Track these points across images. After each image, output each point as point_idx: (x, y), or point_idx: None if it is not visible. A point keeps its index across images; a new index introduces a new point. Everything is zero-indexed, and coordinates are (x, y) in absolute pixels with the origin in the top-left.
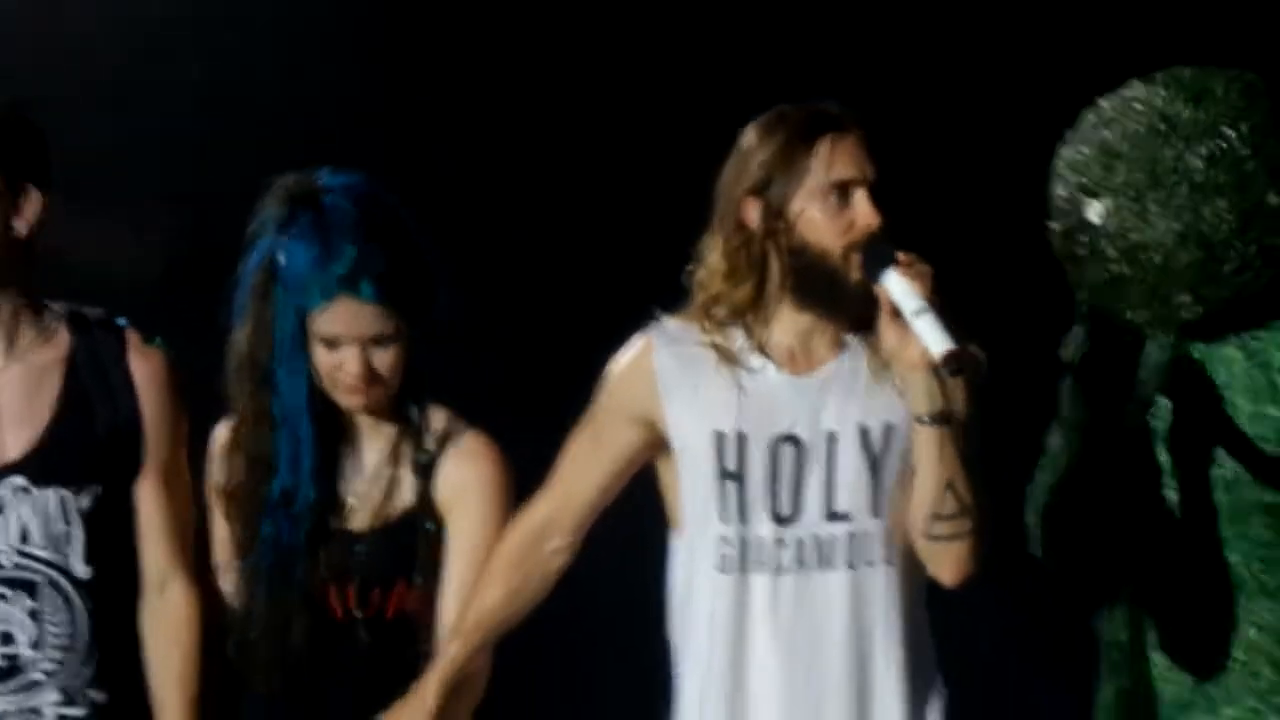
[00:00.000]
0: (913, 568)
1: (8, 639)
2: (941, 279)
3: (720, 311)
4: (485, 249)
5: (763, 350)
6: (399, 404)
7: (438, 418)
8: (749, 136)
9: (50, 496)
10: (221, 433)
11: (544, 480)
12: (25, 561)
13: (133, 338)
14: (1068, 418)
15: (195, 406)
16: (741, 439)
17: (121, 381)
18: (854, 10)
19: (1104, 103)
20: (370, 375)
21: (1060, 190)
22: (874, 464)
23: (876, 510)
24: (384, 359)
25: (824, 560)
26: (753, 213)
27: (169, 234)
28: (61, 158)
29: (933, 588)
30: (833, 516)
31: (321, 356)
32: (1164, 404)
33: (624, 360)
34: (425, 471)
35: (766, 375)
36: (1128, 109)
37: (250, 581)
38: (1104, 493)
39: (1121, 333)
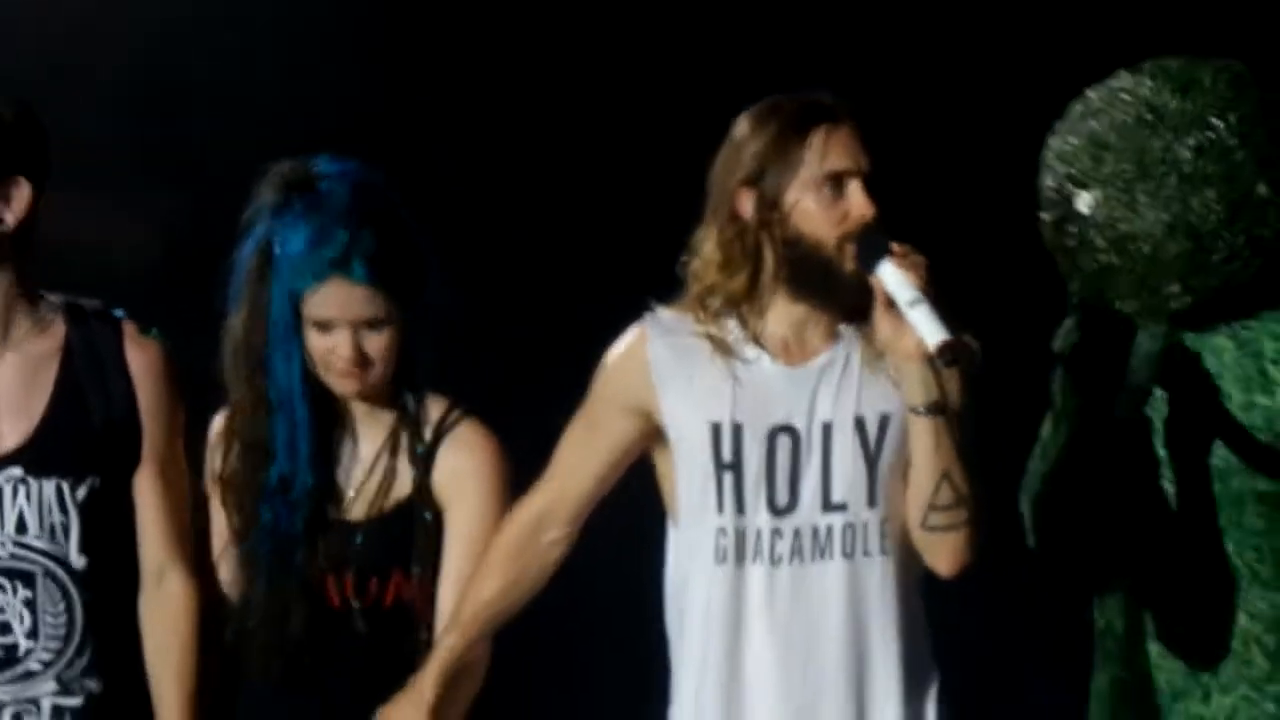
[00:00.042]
0: (909, 558)
1: (5, 629)
2: (935, 269)
3: (715, 302)
4: (481, 240)
5: (757, 341)
6: (396, 393)
7: (435, 407)
8: (742, 127)
9: (47, 487)
10: (219, 421)
11: (541, 470)
12: (22, 552)
13: (129, 329)
14: (1060, 408)
15: (193, 397)
16: (737, 430)
17: (118, 372)
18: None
19: (1092, 94)
20: (362, 359)
21: (1049, 181)
22: (870, 454)
23: (873, 501)
24: (376, 343)
25: (820, 551)
26: (747, 204)
27: (169, 231)
28: (63, 155)
29: (928, 578)
30: (829, 507)
31: (314, 341)
32: (1158, 394)
33: (618, 351)
34: (423, 461)
35: (761, 366)
36: (1116, 100)
37: (248, 569)
38: (1097, 482)
39: (1113, 323)
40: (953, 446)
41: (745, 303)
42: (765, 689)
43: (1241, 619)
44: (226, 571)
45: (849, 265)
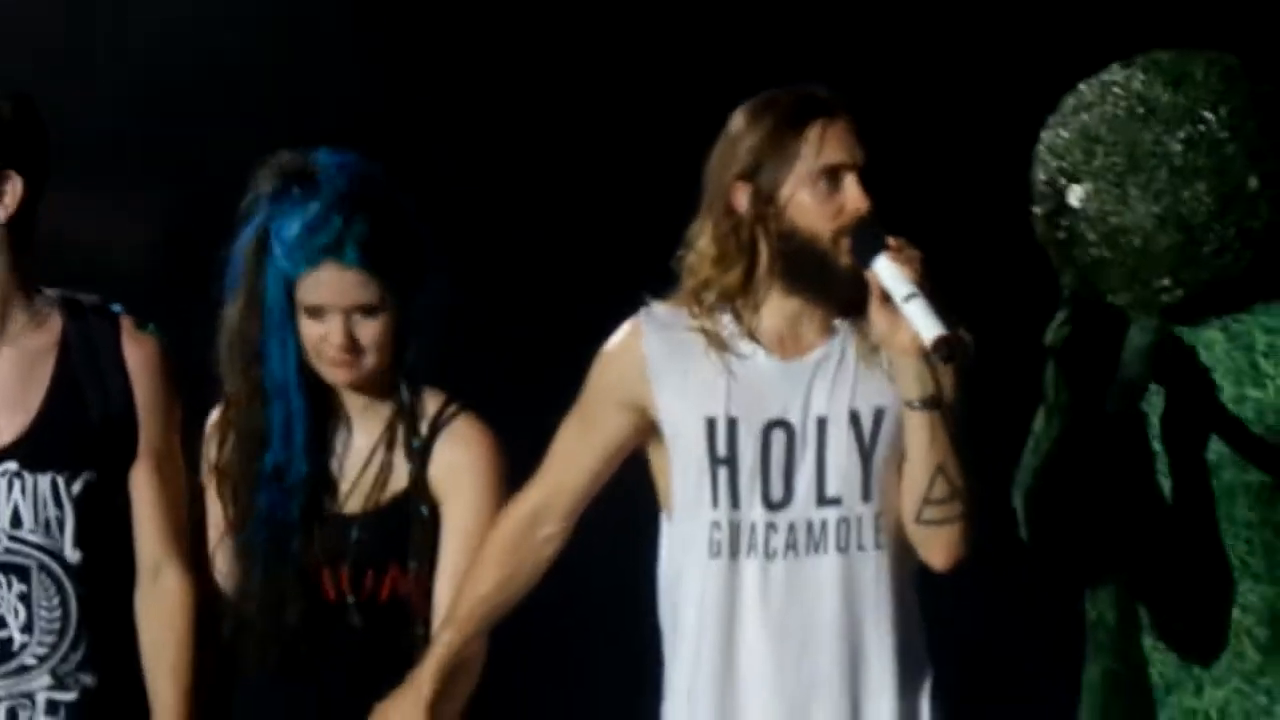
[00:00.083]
0: (903, 552)
1: (0, 623)
2: (930, 263)
3: (709, 296)
4: (477, 237)
5: (752, 335)
6: (392, 387)
7: (432, 401)
8: (737, 121)
9: (42, 481)
10: (216, 414)
11: (537, 465)
12: (17, 546)
13: (126, 324)
14: (1052, 401)
15: (191, 392)
16: (732, 424)
17: (114, 367)
18: None
19: (1083, 87)
20: (354, 345)
21: (1041, 175)
22: (864, 449)
23: (867, 495)
24: (369, 330)
25: (815, 545)
26: (742, 198)
27: (169, 229)
28: (62, 154)
29: (922, 572)
30: (824, 501)
31: (307, 328)
32: (1151, 387)
33: (613, 346)
34: (419, 456)
35: (756, 360)
36: (1107, 93)
37: (244, 559)
38: (1089, 476)
39: (1105, 316)
40: (948, 441)
41: (740, 297)
42: (759, 683)
43: (1233, 612)
44: (223, 562)
45: (844, 259)
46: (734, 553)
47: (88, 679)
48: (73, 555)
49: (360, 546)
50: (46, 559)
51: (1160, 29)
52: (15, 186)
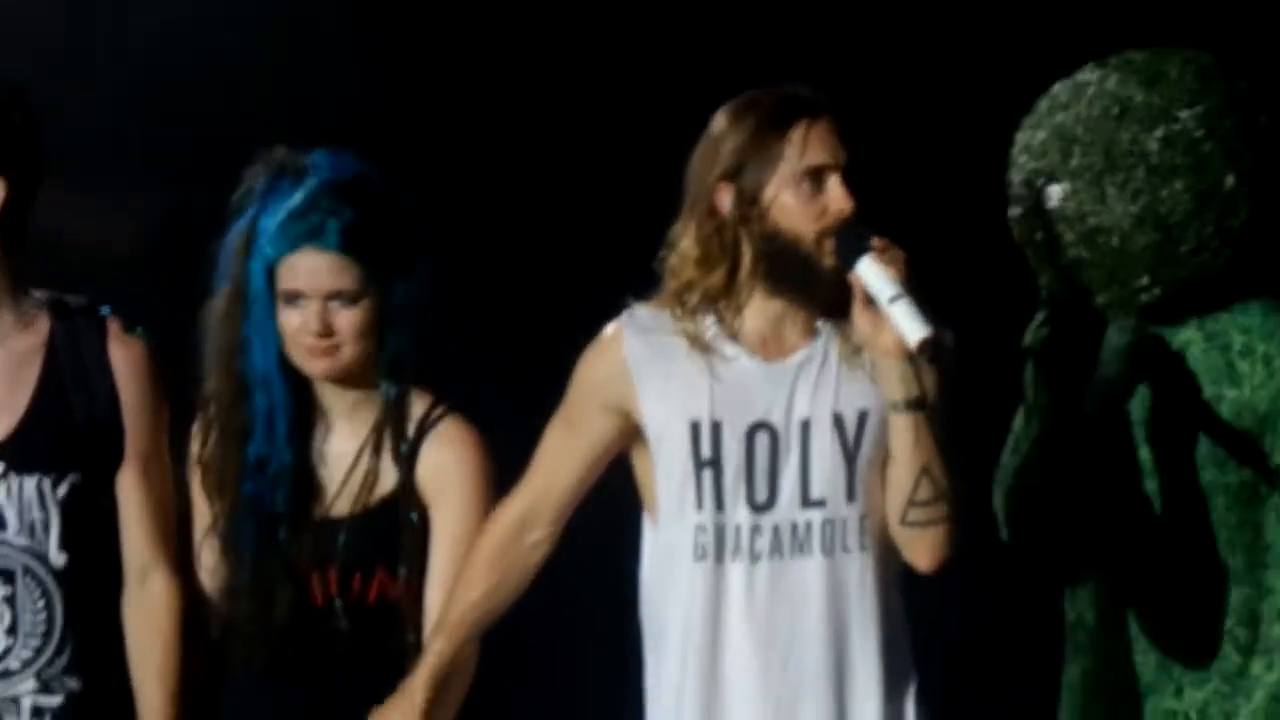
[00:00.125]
0: (888, 554)
1: None
2: (913, 263)
3: (692, 298)
4: (471, 236)
5: (735, 337)
6: (374, 383)
7: (418, 403)
8: (720, 122)
9: (27, 483)
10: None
11: (525, 467)
12: (1, 549)
13: (114, 326)
14: (1031, 402)
15: (182, 395)
16: (716, 427)
17: (100, 370)
18: None
19: (1058, 88)
20: (330, 332)
21: (1018, 176)
22: (848, 450)
23: (851, 496)
24: (346, 318)
25: (800, 547)
26: (725, 199)
27: (168, 231)
28: (63, 153)
29: (905, 574)
30: (808, 503)
31: (285, 317)
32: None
33: (595, 349)
34: (406, 459)
35: (739, 363)
36: (1082, 93)
37: (232, 553)
38: (1069, 476)
39: (1083, 317)
40: (932, 442)
41: (723, 299)
42: (745, 686)
43: (1213, 613)
44: (209, 559)
45: (827, 261)
46: (719, 556)
47: (73, 683)
48: (58, 558)
49: (348, 550)
50: (31, 562)
51: (1135, 30)
52: None
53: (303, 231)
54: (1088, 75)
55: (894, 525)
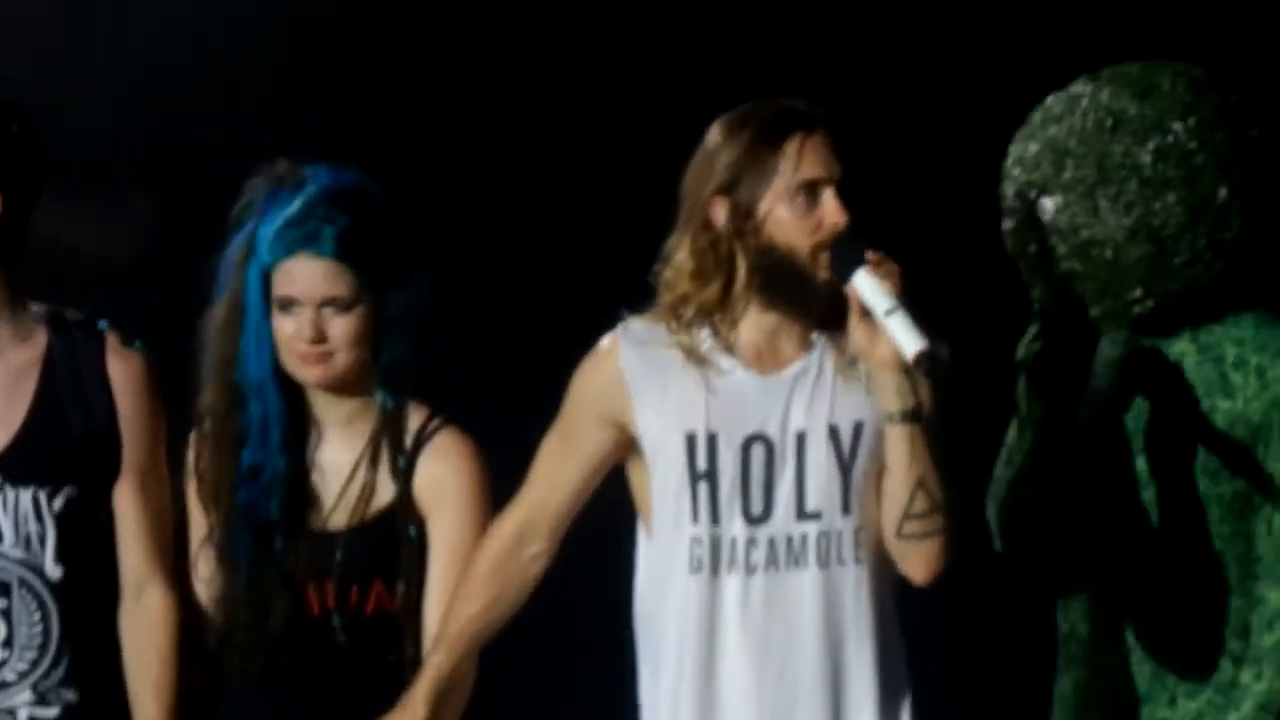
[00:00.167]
0: (883, 566)
1: None
2: (908, 276)
3: (688, 312)
4: (460, 249)
5: (730, 350)
6: (369, 393)
7: (415, 415)
8: (715, 135)
9: (23, 496)
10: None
11: (522, 479)
12: None
13: (112, 340)
14: (1024, 415)
15: (177, 410)
16: (712, 440)
17: (98, 383)
18: (817, 8)
19: (1050, 101)
20: (322, 339)
21: (1010, 189)
22: (844, 463)
23: (847, 509)
24: (340, 325)
25: (795, 559)
26: (720, 212)
27: (167, 231)
28: (63, 153)
29: (900, 586)
30: (803, 515)
31: (279, 325)
32: (1124, 400)
33: (590, 362)
34: (403, 472)
35: (735, 375)
36: (1075, 106)
37: (228, 562)
38: (1062, 488)
39: (1075, 330)
40: (928, 454)
41: (718, 312)
42: (741, 698)
43: (1207, 624)
44: (205, 568)
45: (822, 274)
46: (715, 568)
47: (70, 695)
48: (54, 571)
49: (345, 563)
50: (27, 574)
51: (1125, 43)
52: None
53: (298, 238)
54: (1080, 88)
55: (889, 537)
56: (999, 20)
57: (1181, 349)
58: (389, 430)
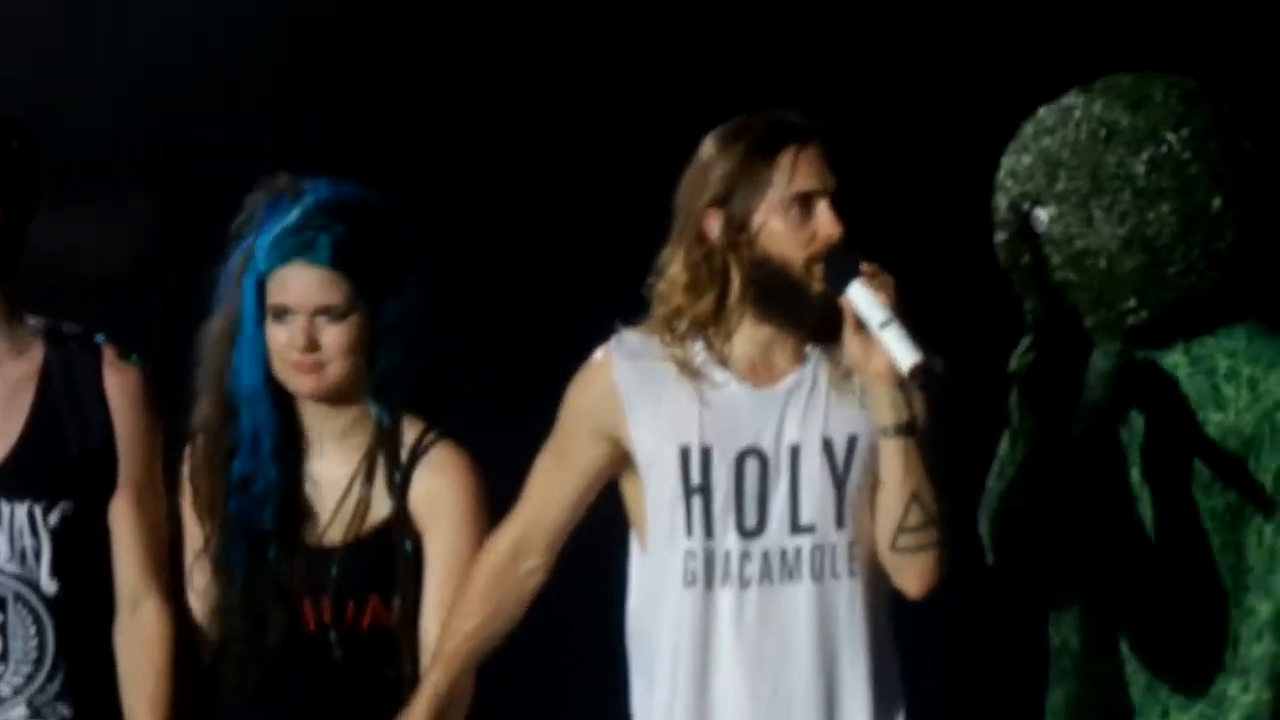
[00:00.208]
0: (877, 579)
1: None
2: (902, 288)
3: (682, 324)
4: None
5: (724, 363)
6: (363, 406)
7: (410, 429)
8: (709, 147)
9: (19, 511)
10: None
11: (518, 492)
12: None
13: (108, 354)
14: (1017, 427)
15: (174, 424)
16: (706, 453)
17: (94, 398)
18: (811, 20)
19: (1042, 112)
20: (315, 347)
21: (1003, 200)
22: (838, 476)
23: (841, 522)
24: (333, 335)
25: (789, 573)
26: (714, 225)
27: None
28: (63, 153)
29: (895, 598)
30: (797, 529)
31: (273, 334)
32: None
33: (584, 376)
34: (399, 486)
35: (729, 389)
36: (1068, 117)
37: (223, 573)
38: (1054, 500)
39: (1068, 342)
40: (922, 467)
41: (712, 325)
42: (735, 712)
43: (1200, 636)
44: (200, 580)
45: (817, 286)
46: (709, 582)
47: (65, 710)
48: (49, 586)
49: (341, 578)
50: (22, 589)
51: (1115, 56)
52: None
53: (294, 246)
54: (1073, 99)
55: (883, 550)
56: (991, 32)
57: (1174, 360)
58: (384, 444)
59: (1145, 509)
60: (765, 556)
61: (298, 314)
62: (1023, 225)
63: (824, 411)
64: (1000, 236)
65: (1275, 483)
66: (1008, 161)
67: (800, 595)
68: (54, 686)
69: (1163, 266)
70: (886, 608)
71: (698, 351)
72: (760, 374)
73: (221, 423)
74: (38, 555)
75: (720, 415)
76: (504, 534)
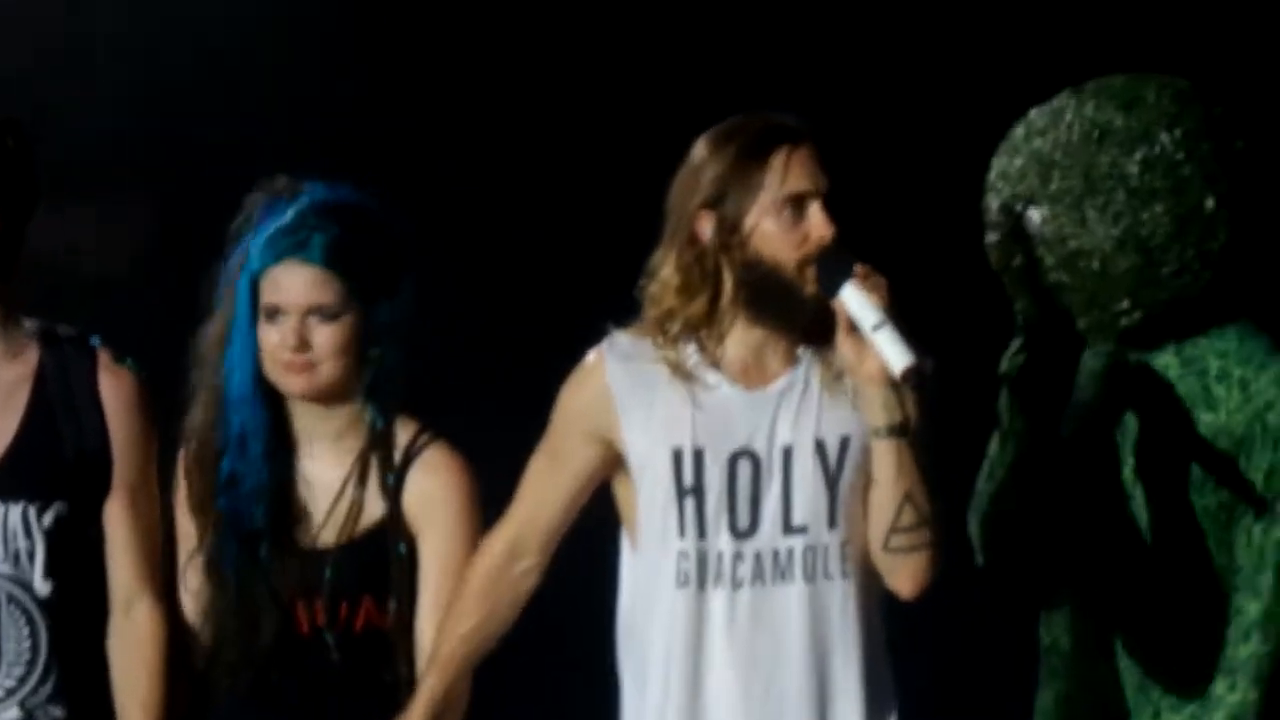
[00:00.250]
0: (870, 580)
1: None
2: (894, 289)
3: (674, 326)
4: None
5: (717, 365)
6: (354, 406)
7: (404, 430)
8: (700, 150)
9: (12, 512)
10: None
11: (512, 492)
12: None
13: (104, 357)
14: (1007, 428)
15: (169, 427)
16: (699, 455)
17: (89, 400)
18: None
19: (1035, 114)
20: (306, 347)
21: (995, 202)
22: (830, 477)
23: (833, 523)
24: (325, 334)
25: (781, 574)
26: (706, 227)
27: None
28: (63, 153)
29: (887, 599)
30: (790, 530)
31: (265, 334)
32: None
33: (577, 378)
34: (393, 488)
35: (721, 390)
36: (1060, 118)
37: (215, 574)
38: (1045, 501)
39: (1059, 343)
40: (915, 468)
41: (704, 327)
42: (728, 713)
43: (1191, 636)
44: (194, 580)
45: (809, 288)
46: (701, 583)
47: (58, 711)
48: (43, 587)
49: (334, 581)
50: (16, 590)
51: (1105, 59)
52: None
53: (288, 245)
54: (1064, 101)
55: (876, 551)
56: (982, 35)
57: (1165, 361)
58: (378, 445)
59: (1137, 509)
60: (758, 557)
61: (290, 313)
62: (1015, 226)
63: (816, 413)
64: (992, 238)
65: (1266, 482)
66: (999, 163)
67: (793, 596)
68: (47, 688)
69: (1156, 267)
70: (879, 608)
71: (690, 353)
72: (752, 376)
73: (213, 423)
74: (31, 556)
75: (712, 417)
76: (498, 536)
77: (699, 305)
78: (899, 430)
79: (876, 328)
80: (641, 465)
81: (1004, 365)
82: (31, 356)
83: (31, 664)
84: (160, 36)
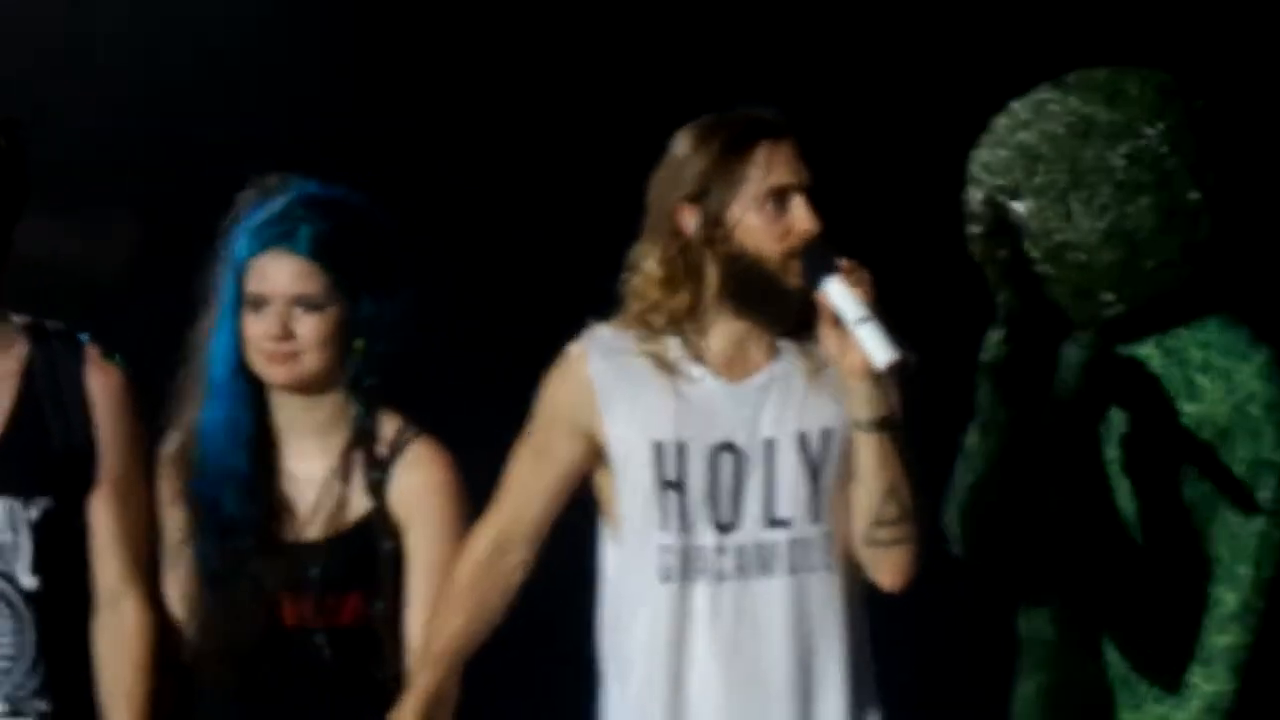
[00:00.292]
0: (853, 573)
1: None
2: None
3: (657, 320)
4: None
5: (700, 358)
6: (337, 397)
7: (388, 425)
8: (683, 144)
9: None
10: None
11: (495, 484)
12: None
13: (92, 352)
14: (988, 419)
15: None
16: (681, 448)
17: (77, 396)
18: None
19: (1018, 106)
20: (289, 337)
21: (979, 194)
22: (813, 470)
23: (816, 516)
24: (309, 325)
25: (765, 567)
26: (689, 221)
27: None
28: (63, 153)
29: (870, 591)
30: (773, 523)
31: (249, 325)
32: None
33: (559, 371)
34: (378, 483)
35: (704, 383)
36: (1044, 110)
37: (199, 568)
38: (1025, 492)
39: (1041, 333)
40: (898, 461)
41: (687, 320)
42: (711, 706)
43: (1172, 627)
44: (177, 573)
45: (792, 281)
46: (684, 576)
47: (43, 705)
48: (29, 581)
49: (321, 576)
50: (1, 584)
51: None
52: None
53: (274, 235)
54: (1047, 93)
55: (859, 544)
56: (964, 29)
57: (1147, 352)
58: (362, 440)
59: (1120, 500)
60: (741, 551)
61: (274, 303)
62: (998, 218)
63: (799, 406)
64: (975, 230)
65: (1248, 473)
66: (982, 155)
67: (776, 589)
68: (32, 682)
69: (1141, 259)
70: (862, 601)
71: (673, 346)
72: (735, 369)
73: (197, 415)
74: (17, 551)
75: (695, 410)
76: (485, 531)
77: (682, 299)
78: (881, 424)
79: (859, 322)
80: (623, 458)
81: (985, 356)
82: (20, 351)
83: (17, 659)
84: (160, 36)
